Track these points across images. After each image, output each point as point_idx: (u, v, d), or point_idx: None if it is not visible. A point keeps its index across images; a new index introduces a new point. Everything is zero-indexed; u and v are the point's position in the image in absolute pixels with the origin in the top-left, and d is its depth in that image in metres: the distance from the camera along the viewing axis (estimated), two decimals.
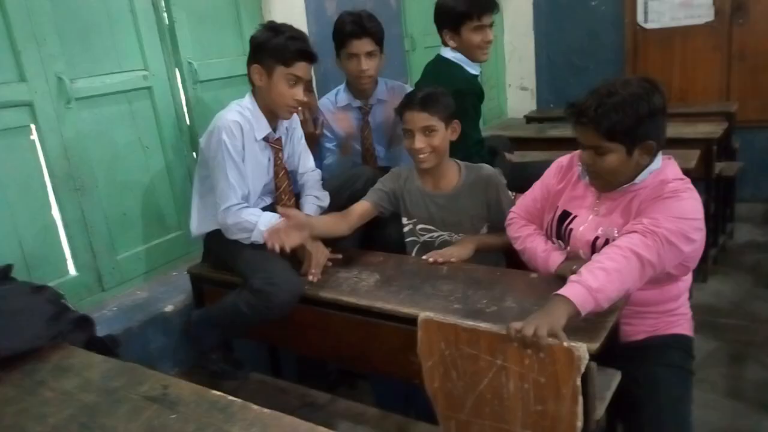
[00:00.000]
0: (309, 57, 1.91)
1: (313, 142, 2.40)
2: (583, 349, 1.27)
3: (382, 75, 2.50)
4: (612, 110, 1.50)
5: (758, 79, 4.29)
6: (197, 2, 2.35)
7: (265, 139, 1.98)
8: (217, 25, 2.43)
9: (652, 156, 1.59)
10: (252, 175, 1.95)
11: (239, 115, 1.89)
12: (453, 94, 2.02)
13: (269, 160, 2.01)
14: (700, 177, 3.05)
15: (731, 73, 4.36)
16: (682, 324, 1.72)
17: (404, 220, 2.08)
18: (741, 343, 2.71)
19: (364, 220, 2.01)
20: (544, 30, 4.84)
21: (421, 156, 1.93)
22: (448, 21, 2.40)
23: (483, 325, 1.39)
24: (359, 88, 2.43)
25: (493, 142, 2.80)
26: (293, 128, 2.12)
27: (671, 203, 1.52)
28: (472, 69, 2.43)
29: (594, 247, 1.64)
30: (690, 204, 1.54)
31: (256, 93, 1.96)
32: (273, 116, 1.98)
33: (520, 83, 4.78)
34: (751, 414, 2.26)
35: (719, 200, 3.53)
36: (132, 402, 1.28)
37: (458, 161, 2.05)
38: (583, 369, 1.27)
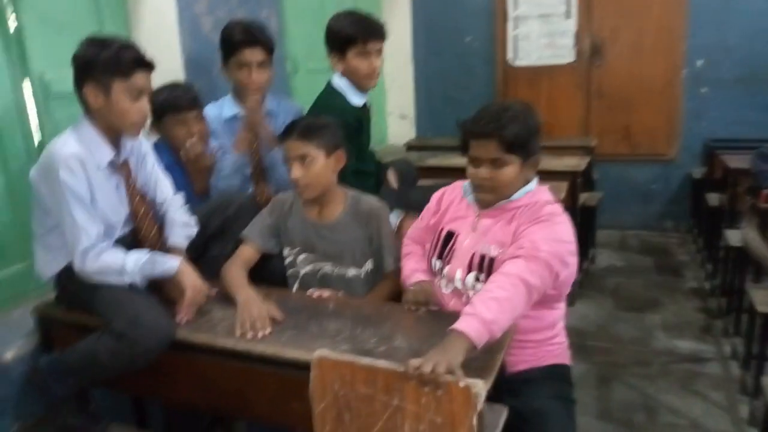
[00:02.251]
0: (146, 65, 1.72)
1: (209, 175, 2.24)
2: (480, 386, 1.24)
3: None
4: (512, 121, 1.57)
5: (613, 116, 4.70)
6: (52, 8, 2.09)
7: (110, 165, 1.77)
8: (77, 33, 2.15)
9: (534, 174, 1.68)
10: (106, 207, 1.74)
11: (75, 146, 1.66)
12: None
13: (118, 186, 1.80)
14: (567, 206, 3.21)
15: (590, 110, 4.74)
16: (561, 353, 1.76)
17: (286, 251, 1.96)
18: (607, 364, 2.88)
19: (252, 264, 1.91)
20: (422, 62, 4.98)
21: (298, 187, 1.84)
22: (335, 45, 2.34)
23: (381, 363, 1.32)
24: (246, 99, 2.30)
25: (400, 165, 2.72)
26: (143, 154, 1.91)
27: (549, 226, 1.58)
28: (357, 98, 2.38)
29: (471, 264, 1.66)
30: (565, 228, 1.61)
31: (91, 116, 1.73)
32: (115, 138, 1.77)
33: (400, 111, 4.85)
34: None
35: (583, 228, 3.77)
36: None
37: (347, 190, 1.98)
38: (479, 407, 1.24)
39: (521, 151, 1.60)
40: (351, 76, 2.35)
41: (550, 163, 3.44)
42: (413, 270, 1.79)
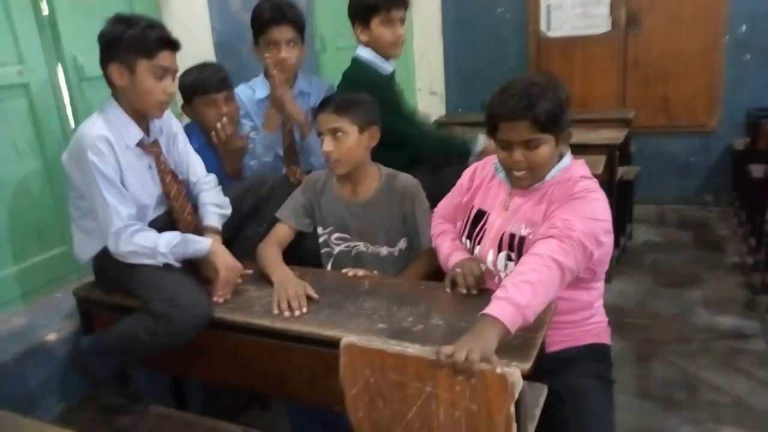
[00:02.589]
0: (172, 44, 1.71)
1: (240, 157, 2.23)
2: (516, 375, 1.20)
3: None
4: (542, 99, 1.48)
5: (650, 87, 4.54)
6: None
7: (140, 145, 1.77)
8: (108, 16, 2.18)
9: (568, 146, 1.61)
10: (138, 188, 1.75)
11: (103, 127, 1.67)
12: (372, 95, 1.94)
13: (150, 167, 1.81)
14: (604, 181, 3.15)
15: (626, 81, 4.59)
16: (599, 332, 1.71)
17: (319, 230, 1.95)
18: (646, 341, 2.82)
19: (286, 244, 1.90)
20: (451, 36, 4.89)
21: (330, 161, 1.82)
22: (359, 14, 2.33)
23: (411, 350, 1.29)
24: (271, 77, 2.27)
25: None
26: (174, 133, 1.91)
27: (582, 204, 1.51)
28: (387, 66, 2.37)
29: (501, 244, 1.62)
30: (600, 205, 1.54)
31: (118, 95, 1.73)
32: (142, 118, 1.77)
33: (430, 88, 4.78)
34: (660, 412, 2.33)
35: (620, 203, 3.68)
36: None
37: (382, 168, 1.95)
38: (516, 395, 1.21)
39: (555, 128, 1.51)
40: (376, 45, 2.34)
41: (586, 136, 3.36)
42: (453, 249, 1.73)
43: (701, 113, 4.51)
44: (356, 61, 2.38)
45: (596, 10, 4.51)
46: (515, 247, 1.60)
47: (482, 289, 1.60)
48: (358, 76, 2.33)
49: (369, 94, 1.95)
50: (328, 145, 1.80)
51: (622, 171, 3.56)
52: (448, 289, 1.63)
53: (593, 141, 3.29)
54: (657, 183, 4.66)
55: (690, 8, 4.32)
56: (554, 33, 4.67)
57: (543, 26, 4.68)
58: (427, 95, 4.85)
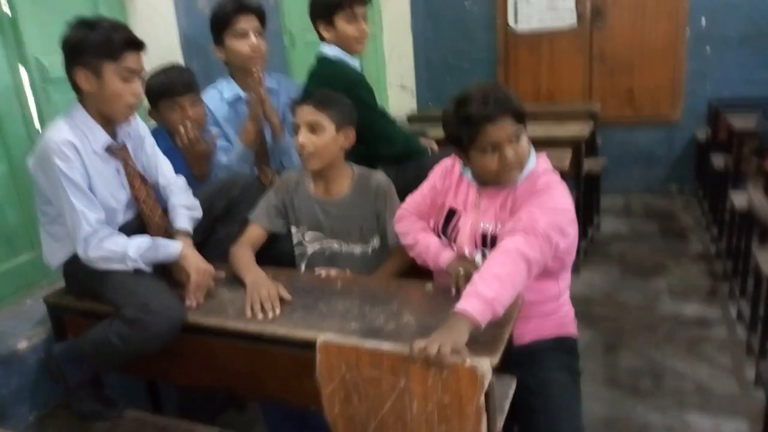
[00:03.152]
0: (137, 45, 1.70)
1: (207, 160, 2.21)
2: (486, 366, 1.24)
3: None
4: (510, 94, 1.56)
5: (615, 80, 4.64)
6: None
7: (107, 149, 1.75)
8: (71, 16, 2.14)
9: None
10: (106, 193, 1.73)
11: (69, 132, 1.65)
12: (343, 91, 1.95)
13: (118, 171, 1.79)
14: (571, 175, 3.22)
15: (593, 74, 4.68)
16: (567, 324, 1.76)
17: (293, 229, 1.96)
18: (614, 331, 2.90)
19: (259, 245, 1.91)
20: (421, 29, 4.91)
21: (303, 154, 1.83)
22: (322, 12, 2.34)
23: (385, 345, 1.33)
24: (247, 73, 2.26)
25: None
26: (141, 137, 1.90)
27: (545, 197, 1.56)
28: (353, 63, 2.39)
29: (476, 242, 1.66)
30: (562, 197, 1.59)
31: (84, 100, 1.72)
32: (109, 122, 1.75)
33: (400, 82, 4.79)
34: (627, 400, 2.40)
35: (587, 195, 3.76)
36: None
37: (354, 166, 1.97)
38: (486, 386, 1.25)
39: (524, 119, 1.58)
40: (341, 42, 2.36)
41: (553, 129, 3.42)
42: (441, 246, 1.74)
43: (665, 105, 4.62)
44: (325, 59, 2.38)
45: (562, 4, 4.58)
46: (488, 244, 1.64)
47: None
48: (331, 73, 2.32)
49: (345, 91, 1.97)
50: (304, 137, 1.81)
51: (588, 163, 3.63)
52: (430, 287, 1.67)
53: (560, 135, 3.34)
54: (623, 173, 4.77)
55: (652, 1, 4.42)
56: (522, 26, 4.73)
57: (511, 20, 4.73)
58: (398, 90, 4.87)
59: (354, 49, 2.38)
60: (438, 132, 3.72)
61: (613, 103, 4.61)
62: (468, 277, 1.59)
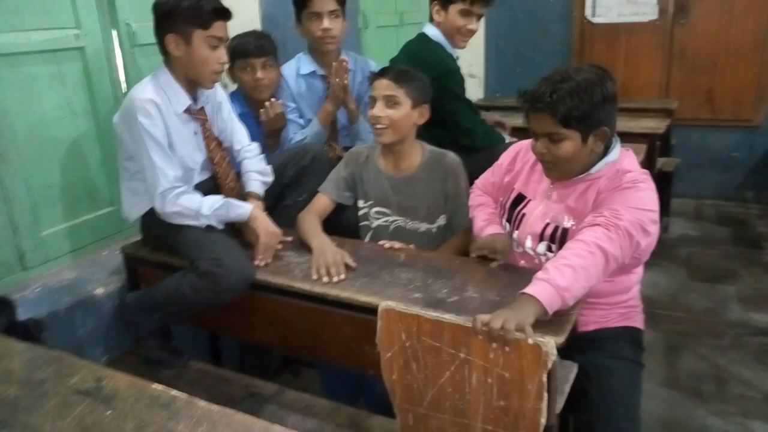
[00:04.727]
0: (225, 14, 1.76)
1: (279, 134, 2.28)
2: (551, 345, 1.22)
3: None
4: (567, 95, 1.47)
5: (695, 78, 4.44)
6: None
7: (187, 111, 1.82)
8: None
9: (606, 143, 1.57)
10: (184, 153, 1.81)
11: (153, 92, 1.72)
12: (437, 75, 1.97)
13: (196, 133, 1.86)
14: None
15: (671, 71, 4.49)
16: (633, 316, 1.72)
17: (360, 203, 1.99)
18: (677, 333, 2.80)
19: (326, 215, 1.95)
20: (494, 19, 4.83)
21: (378, 126, 1.84)
22: None
23: (447, 316, 1.33)
24: (322, 52, 2.32)
25: None
26: (219, 102, 1.96)
27: (630, 194, 1.51)
28: (451, 50, 2.39)
29: (543, 234, 1.63)
30: (648, 195, 1.53)
31: (171, 63, 1.79)
32: (192, 86, 1.83)
33: (469, 71, 4.75)
34: (687, 403, 2.33)
35: (658, 194, 3.62)
36: (60, 396, 1.14)
37: (425, 144, 1.97)
38: (550, 365, 1.23)
39: (581, 125, 1.50)
40: (447, 30, 2.36)
41: (627, 124, 3.32)
42: (488, 222, 1.75)
43: (747, 107, 4.39)
44: (426, 37, 2.40)
45: None
46: (557, 238, 1.60)
47: (506, 264, 1.64)
48: (429, 51, 2.34)
49: (439, 75, 1.98)
50: (380, 110, 1.83)
51: (661, 162, 3.52)
52: (472, 255, 1.68)
53: (634, 129, 3.25)
54: (696, 177, 4.57)
55: None
56: (599, 19, 4.59)
57: (588, 12, 4.60)
58: (466, 78, 4.82)
59: (455, 42, 2.40)
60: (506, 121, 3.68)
61: (690, 103, 4.42)
62: (489, 244, 1.64)
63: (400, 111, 1.83)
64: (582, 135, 1.51)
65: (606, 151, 1.58)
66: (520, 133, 3.00)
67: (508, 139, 2.56)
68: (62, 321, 1.80)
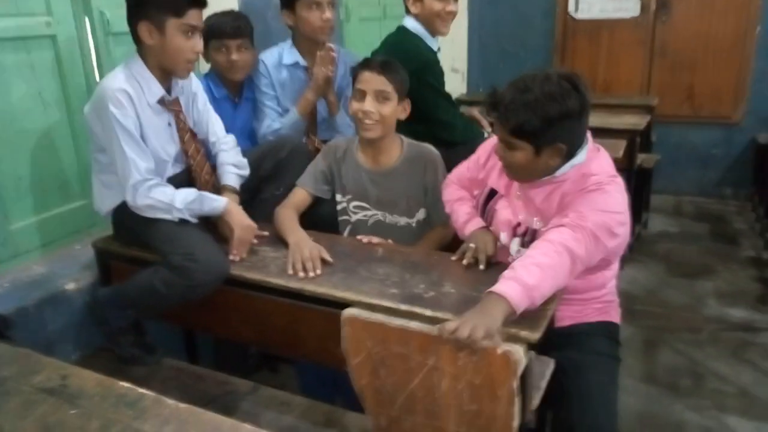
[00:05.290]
0: (200, 2, 1.72)
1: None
2: (519, 354, 1.22)
3: None
4: (522, 108, 1.43)
5: (676, 75, 4.48)
6: None
7: (161, 102, 1.78)
8: None
9: (563, 159, 1.52)
10: (157, 144, 1.76)
11: (124, 81, 1.68)
12: (415, 68, 1.95)
13: (170, 124, 1.82)
14: (623, 167, 3.12)
15: (652, 68, 4.52)
16: (609, 311, 1.72)
17: (338, 197, 1.97)
18: (655, 329, 2.82)
19: (303, 209, 1.92)
20: (477, 13, 4.83)
21: (368, 122, 1.80)
22: None
23: (413, 325, 1.31)
24: (316, 41, 2.26)
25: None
26: (194, 92, 1.92)
27: (596, 196, 1.48)
28: (432, 44, 2.36)
29: (515, 233, 1.62)
30: (614, 197, 1.50)
31: (144, 52, 1.74)
32: (165, 76, 1.78)
33: (452, 65, 4.73)
34: (664, 398, 2.34)
35: (637, 191, 3.65)
36: (24, 395, 1.12)
37: (403, 138, 1.95)
38: (519, 372, 1.22)
39: (532, 139, 1.45)
40: (426, 18, 2.33)
41: (607, 120, 3.33)
42: (470, 216, 1.73)
43: (726, 105, 4.44)
44: (405, 30, 2.37)
45: None
46: (527, 240, 1.59)
47: (494, 263, 1.61)
48: (408, 44, 2.31)
49: (418, 68, 1.95)
50: (371, 105, 1.79)
51: (641, 158, 3.53)
52: (453, 258, 1.64)
53: (614, 125, 3.25)
54: (676, 173, 4.61)
55: None
56: (582, 15, 4.60)
57: (571, 7, 4.61)
58: (449, 72, 4.81)
59: (437, 28, 2.36)
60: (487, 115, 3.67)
61: (671, 100, 4.45)
62: (479, 252, 1.59)
63: (389, 106, 1.81)
64: (534, 148, 1.47)
65: (572, 154, 1.53)
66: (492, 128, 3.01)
67: (486, 134, 2.55)
68: (31, 317, 1.76)
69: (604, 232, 1.45)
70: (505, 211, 1.65)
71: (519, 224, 1.62)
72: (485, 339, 1.20)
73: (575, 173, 1.54)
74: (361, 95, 1.81)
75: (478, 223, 1.71)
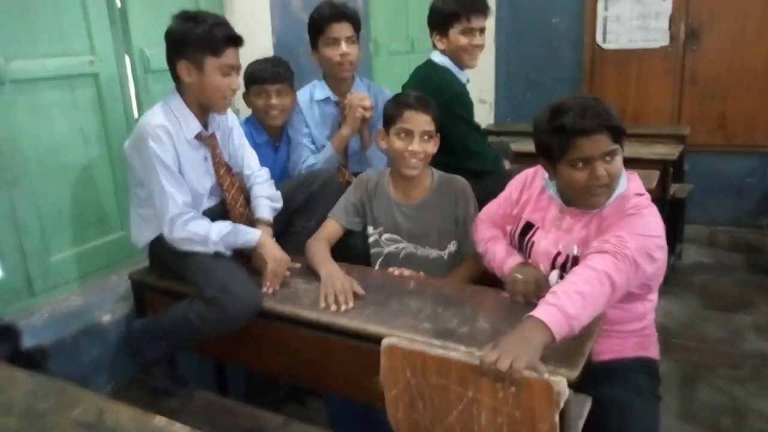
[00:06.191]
0: (238, 42, 1.77)
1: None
2: (563, 384, 1.18)
3: None
4: (611, 110, 1.48)
5: (707, 104, 4.43)
6: None
7: (198, 137, 1.83)
8: (175, 10, 2.27)
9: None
10: (193, 177, 1.81)
11: (163, 118, 1.73)
12: (446, 100, 2.00)
13: (206, 158, 1.87)
14: (656, 198, 3.07)
15: (683, 97, 4.48)
16: (649, 346, 1.69)
17: (370, 230, 1.98)
18: (692, 364, 2.73)
19: (335, 241, 1.93)
20: (504, 44, 4.86)
21: (414, 161, 1.83)
22: (438, 22, 2.36)
23: (453, 354, 1.29)
24: (339, 78, 2.33)
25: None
26: (230, 127, 1.97)
27: (634, 220, 1.49)
28: (460, 76, 2.39)
29: (554, 263, 1.60)
30: (652, 221, 1.51)
31: (182, 89, 1.80)
32: (203, 112, 1.84)
33: (480, 96, 4.76)
34: None
35: (671, 221, 3.58)
36: (61, 428, 1.12)
37: (433, 170, 1.97)
38: (562, 404, 1.19)
39: (622, 138, 1.50)
40: (453, 54, 2.36)
41: (639, 150, 3.30)
42: (509, 253, 1.72)
43: (760, 133, 4.36)
44: (432, 64, 2.40)
45: (655, 24, 4.42)
46: (568, 268, 1.57)
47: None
48: (438, 78, 2.34)
49: (447, 100, 1.98)
50: (419, 145, 1.82)
51: (674, 188, 3.48)
52: (505, 294, 1.61)
53: (647, 156, 3.22)
54: (710, 203, 4.52)
55: (753, 25, 4.19)
56: (610, 45, 4.60)
57: (599, 38, 4.61)
58: (477, 104, 4.84)
59: (464, 61, 2.39)
60: (515, 146, 3.68)
61: (702, 129, 4.39)
62: (528, 285, 1.56)
63: (433, 144, 1.86)
64: (621, 151, 1.53)
65: None
66: (523, 158, 3.01)
67: (508, 165, 2.56)
68: (68, 348, 1.79)
69: (644, 257, 1.44)
70: (543, 242, 1.64)
71: (558, 254, 1.60)
72: (527, 369, 1.18)
73: (617, 200, 1.55)
74: (407, 134, 1.83)
75: (517, 258, 1.69)
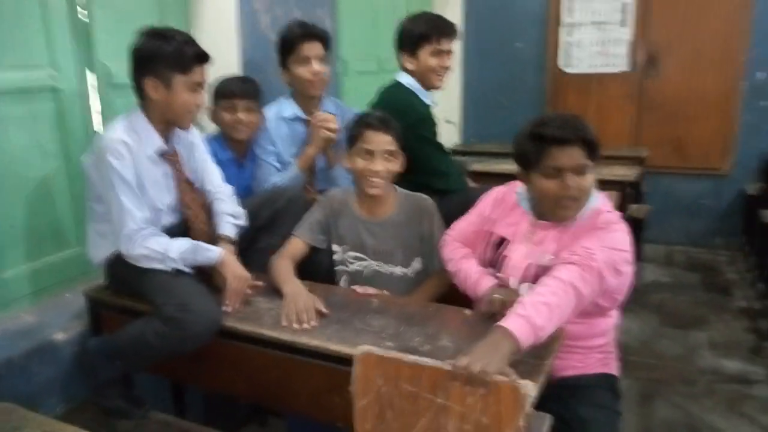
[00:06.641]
0: (205, 59, 1.77)
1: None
2: (529, 387, 1.21)
3: None
4: (588, 127, 1.53)
5: (665, 128, 4.57)
6: (119, 0, 2.16)
7: (159, 153, 1.80)
8: (139, 26, 2.24)
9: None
10: (153, 194, 1.78)
11: (123, 133, 1.71)
12: (411, 123, 2.03)
13: (166, 174, 1.84)
14: None
15: (641, 120, 4.62)
16: (610, 363, 1.72)
17: (334, 248, 1.97)
18: (650, 381, 2.79)
19: (300, 259, 1.92)
20: (471, 67, 4.96)
21: (376, 180, 1.85)
22: (407, 43, 2.38)
23: (427, 360, 1.30)
24: (309, 96, 2.33)
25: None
26: (191, 142, 1.95)
27: (604, 234, 1.54)
28: (426, 99, 2.41)
29: (525, 275, 1.63)
30: (622, 237, 1.56)
31: (147, 106, 1.78)
32: (166, 128, 1.82)
33: (446, 116, 4.82)
34: None
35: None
36: None
37: (397, 188, 1.98)
38: (527, 408, 1.21)
39: (596, 157, 1.55)
40: (421, 75, 2.39)
41: (599, 171, 3.32)
42: (481, 273, 1.72)
43: (715, 156, 4.52)
44: (399, 85, 2.42)
45: (615, 49, 4.57)
46: (538, 278, 1.59)
47: None
48: (404, 99, 2.35)
49: (413, 123, 2.00)
50: (380, 164, 1.84)
51: (632, 209, 3.57)
52: (468, 312, 1.64)
53: (606, 176, 3.29)
54: (667, 224, 4.66)
55: (709, 53, 4.36)
56: (571, 69, 4.72)
57: (561, 62, 4.74)
58: (443, 124, 4.90)
59: (432, 82, 2.41)
60: (481, 166, 3.73)
61: (660, 152, 4.53)
62: (505, 304, 1.57)
63: (396, 164, 1.88)
64: (594, 166, 1.57)
65: None
66: (481, 178, 3.06)
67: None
68: (18, 368, 1.73)
69: (610, 270, 1.49)
70: (515, 255, 1.67)
71: (529, 264, 1.63)
72: (497, 375, 1.20)
73: (587, 210, 1.60)
74: (368, 154, 1.85)
75: (491, 279, 1.70)
